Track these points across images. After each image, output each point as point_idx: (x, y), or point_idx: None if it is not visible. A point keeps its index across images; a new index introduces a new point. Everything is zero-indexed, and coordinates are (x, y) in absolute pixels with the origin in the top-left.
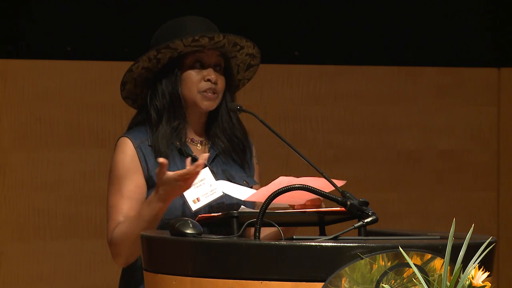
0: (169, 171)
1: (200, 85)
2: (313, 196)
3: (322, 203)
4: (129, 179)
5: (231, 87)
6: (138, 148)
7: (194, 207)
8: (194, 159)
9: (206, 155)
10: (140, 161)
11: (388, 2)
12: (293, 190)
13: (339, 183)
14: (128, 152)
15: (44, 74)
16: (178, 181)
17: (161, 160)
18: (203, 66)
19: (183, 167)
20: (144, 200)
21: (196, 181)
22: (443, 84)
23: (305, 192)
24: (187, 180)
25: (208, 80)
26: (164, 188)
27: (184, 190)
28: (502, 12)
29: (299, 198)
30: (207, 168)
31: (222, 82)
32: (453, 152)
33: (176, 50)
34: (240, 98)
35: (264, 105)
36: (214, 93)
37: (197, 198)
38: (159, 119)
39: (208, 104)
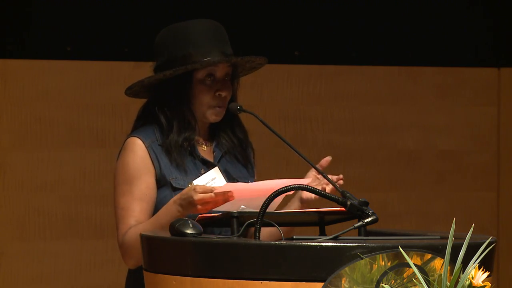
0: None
1: (211, 101)
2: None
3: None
4: (140, 180)
5: (235, 90)
6: (149, 147)
7: None
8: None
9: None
10: (152, 160)
11: (388, 2)
12: (293, 190)
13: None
14: (139, 152)
15: (44, 74)
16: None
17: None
18: (214, 80)
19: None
20: (154, 201)
21: (207, 180)
22: (443, 84)
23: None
24: (205, 205)
25: (219, 95)
26: (186, 199)
27: (200, 212)
28: (502, 12)
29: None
30: (216, 168)
31: (230, 92)
32: (453, 152)
33: (192, 68)
34: (240, 98)
35: (264, 105)
36: (223, 105)
37: None
38: (169, 127)
39: (216, 118)
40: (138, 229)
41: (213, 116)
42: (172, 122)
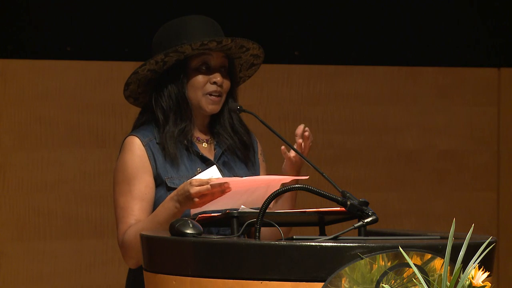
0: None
1: (205, 87)
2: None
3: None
4: (139, 179)
5: (234, 87)
6: (146, 146)
7: None
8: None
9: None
10: (149, 159)
11: (388, 2)
12: (293, 190)
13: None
14: (136, 151)
15: (44, 74)
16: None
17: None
18: (209, 68)
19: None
20: (153, 199)
21: (204, 178)
22: (443, 84)
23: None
24: (203, 198)
25: (214, 82)
26: (183, 194)
27: (198, 206)
28: (502, 12)
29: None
30: (214, 166)
31: (227, 84)
32: (453, 152)
33: (184, 53)
34: (240, 98)
35: (264, 105)
36: (219, 95)
37: None
38: (165, 120)
39: (212, 108)
40: (137, 228)
41: (208, 105)
42: (169, 114)
